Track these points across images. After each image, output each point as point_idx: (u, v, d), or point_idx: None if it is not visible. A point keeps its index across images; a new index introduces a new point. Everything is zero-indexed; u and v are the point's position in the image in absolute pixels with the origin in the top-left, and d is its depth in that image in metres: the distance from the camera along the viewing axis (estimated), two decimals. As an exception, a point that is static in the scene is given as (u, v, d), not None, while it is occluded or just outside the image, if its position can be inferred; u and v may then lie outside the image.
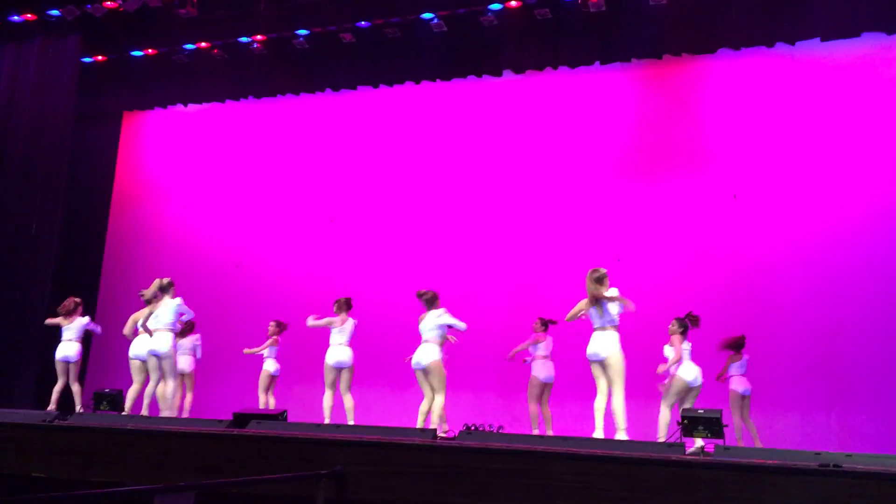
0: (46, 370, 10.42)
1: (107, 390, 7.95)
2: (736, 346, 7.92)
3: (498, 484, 4.29)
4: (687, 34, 8.99)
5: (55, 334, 8.76)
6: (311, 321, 8.11)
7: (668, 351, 7.22)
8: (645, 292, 9.14)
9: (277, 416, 6.31)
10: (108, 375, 10.12)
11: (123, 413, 7.56)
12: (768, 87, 9.28)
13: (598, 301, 6.32)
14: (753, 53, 9.12)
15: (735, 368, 7.93)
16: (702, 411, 5.86)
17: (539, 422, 8.26)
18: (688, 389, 7.00)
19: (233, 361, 9.84)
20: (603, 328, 6.33)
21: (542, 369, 8.30)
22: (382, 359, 9.23)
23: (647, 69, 9.79)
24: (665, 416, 6.94)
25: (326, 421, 7.89)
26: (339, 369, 8.00)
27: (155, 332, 7.51)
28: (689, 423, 5.75)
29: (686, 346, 7.14)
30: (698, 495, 3.95)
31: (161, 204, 11.87)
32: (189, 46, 10.72)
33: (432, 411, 7.13)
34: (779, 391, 8.10)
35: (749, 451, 5.06)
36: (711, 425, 5.67)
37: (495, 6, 9.33)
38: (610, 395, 6.22)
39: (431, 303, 7.23)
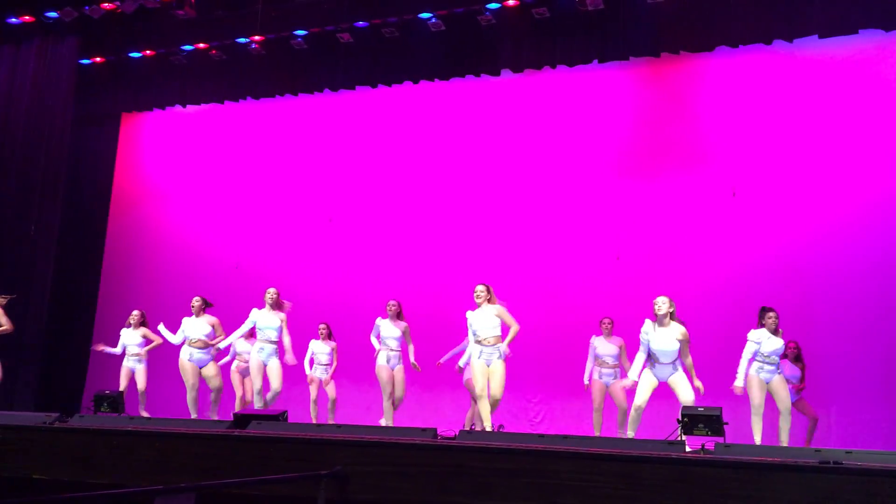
0: (47, 372, 10.45)
1: (107, 392, 7.93)
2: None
3: (499, 483, 4.30)
4: (685, 32, 9.00)
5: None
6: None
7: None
8: (644, 290, 9.14)
9: (278, 417, 6.31)
10: (108, 377, 10.09)
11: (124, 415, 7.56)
12: (766, 85, 9.28)
13: None
14: (751, 51, 9.12)
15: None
16: (702, 409, 5.85)
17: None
18: None
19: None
20: None
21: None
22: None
23: (645, 67, 9.79)
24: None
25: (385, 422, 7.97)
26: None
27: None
28: (689, 421, 5.74)
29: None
30: (699, 493, 3.96)
31: (160, 205, 11.87)
32: (187, 47, 10.70)
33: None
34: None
35: (749, 449, 5.06)
36: (711, 423, 5.66)
37: (493, 5, 9.31)
38: None
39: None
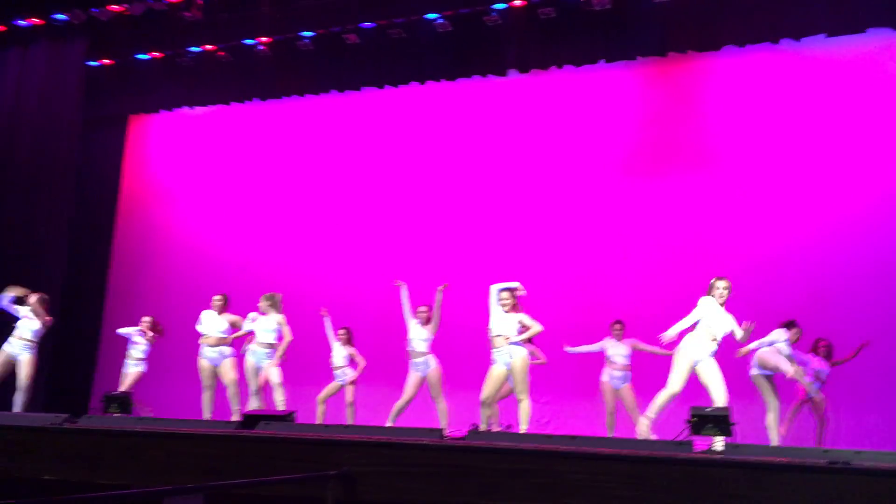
0: (55, 373, 10.47)
1: (116, 392, 7.96)
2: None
3: (506, 484, 4.29)
4: (692, 31, 8.98)
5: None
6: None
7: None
8: (652, 289, 9.12)
9: (286, 418, 6.32)
10: (116, 378, 10.11)
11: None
12: (774, 84, 9.25)
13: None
14: (759, 50, 9.09)
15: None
16: (710, 409, 5.84)
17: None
18: None
19: (241, 363, 9.84)
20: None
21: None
22: (389, 360, 9.22)
23: (652, 67, 9.77)
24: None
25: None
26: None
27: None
28: (698, 421, 5.72)
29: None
30: (707, 493, 3.95)
31: (168, 206, 11.90)
32: (194, 49, 10.74)
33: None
34: (785, 390, 8.06)
35: (758, 449, 5.05)
36: (720, 423, 5.64)
37: (499, 6, 9.32)
38: None
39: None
